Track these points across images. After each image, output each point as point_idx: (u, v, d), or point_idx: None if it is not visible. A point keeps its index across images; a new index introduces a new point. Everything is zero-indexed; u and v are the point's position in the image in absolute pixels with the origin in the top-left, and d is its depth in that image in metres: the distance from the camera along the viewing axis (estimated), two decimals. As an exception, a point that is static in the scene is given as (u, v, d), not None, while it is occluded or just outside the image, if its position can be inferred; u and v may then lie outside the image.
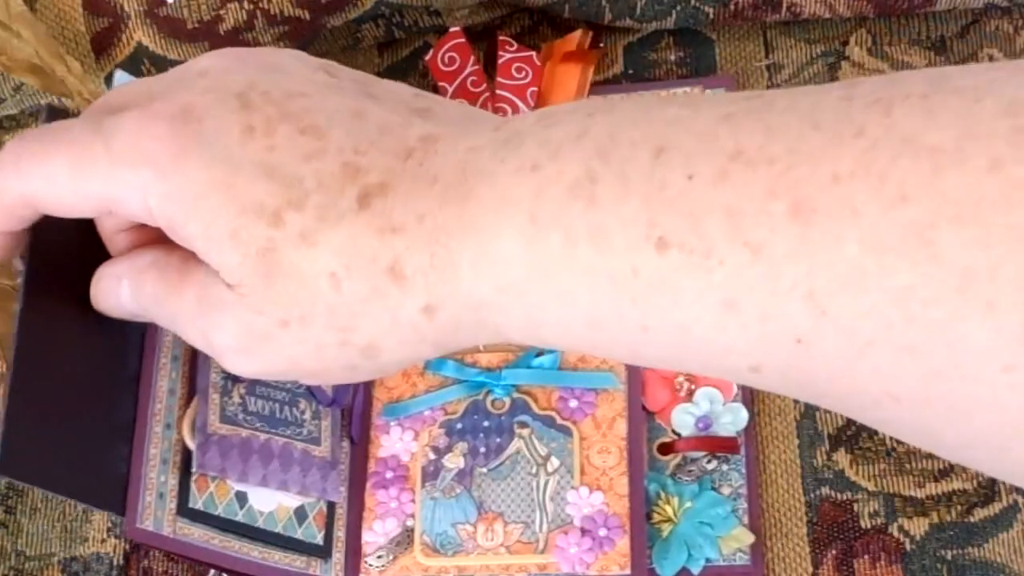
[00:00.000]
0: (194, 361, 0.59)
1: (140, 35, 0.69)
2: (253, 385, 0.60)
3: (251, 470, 0.59)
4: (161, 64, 0.69)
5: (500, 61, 0.69)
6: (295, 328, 0.43)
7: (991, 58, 0.67)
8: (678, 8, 0.67)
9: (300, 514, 0.60)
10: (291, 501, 0.60)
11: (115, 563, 0.65)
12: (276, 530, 0.59)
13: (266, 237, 0.42)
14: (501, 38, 0.70)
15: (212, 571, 0.62)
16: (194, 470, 0.58)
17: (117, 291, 0.49)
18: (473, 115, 0.46)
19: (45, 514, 0.67)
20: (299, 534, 0.60)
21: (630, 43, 0.71)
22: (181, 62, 0.67)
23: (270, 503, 0.60)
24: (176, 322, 0.47)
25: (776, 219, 0.36)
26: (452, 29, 0.69)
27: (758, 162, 0.37)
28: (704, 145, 0.38)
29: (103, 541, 0.66)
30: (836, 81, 0.58)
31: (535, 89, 0.68)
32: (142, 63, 0.69)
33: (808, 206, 0.36)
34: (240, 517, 0.59)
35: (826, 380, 0.38)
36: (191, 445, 0.58)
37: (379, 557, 0.61)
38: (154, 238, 0.49)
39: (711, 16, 0.67)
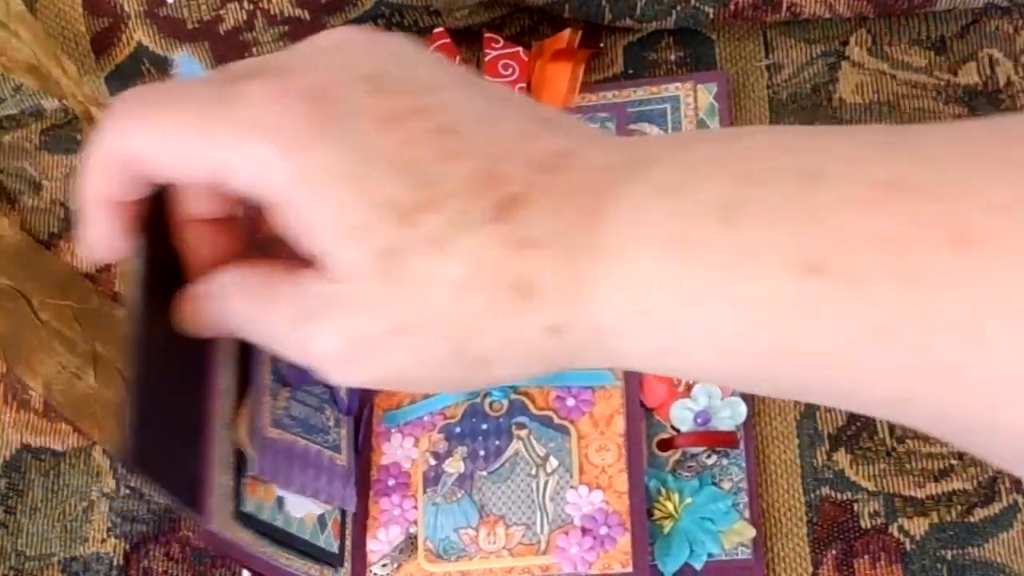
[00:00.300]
0: (245, 360, 0.57)
1: (140, 35, 0.69)
2: (295, 390, 0.59)
3: (294, 476, 0.58)
4: (161, 64, 0.69)
5: (487, 59, 0.69)
6: (408, 336, 0.41)
7: (991, 58, 0.67)
8: (678, 8, 0.67)
9: (322, 522, 0.60)
10: (316, 508, 0.60)
11: (115, 563, 0.65)
12: (305, 536, 0.59)
13: (394, 236, 0.40)
14: (487, 35, 0.70)
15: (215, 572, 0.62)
16: (252, 473, 0.56)
17: (207, 311, 0.46)
18: (595, 132, 0.45)
19: (45, 514, 0.67)
20: (321, 542, 0.60)
21: (630, 43, 0.71)
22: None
23: (302, 509, 0.59)
24: (268, 337, 0.44)
25: (936, 248, 0.35)
26: (436, 30, 0.69)
27: (913, 190, 0.36)
28: (855, 172, 0.37)
29: (103, 541, 0.66)
30: (956, 117, 0.56)
31: (523, 85, 0.69)
32: (142, 63, 0.70)
33: (972, 236, 0.34)
34: (279, 523, 0.58)
35: (978, 415, 0.36)
36: (249, 448, 0.56)
37: (384, 565, 0.61)
38: (229, 241, 0.47)
39: (711, 16, 0.67)
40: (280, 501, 0.58)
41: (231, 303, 0.45)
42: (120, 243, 0.45)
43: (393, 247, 0.40)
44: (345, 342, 0.42)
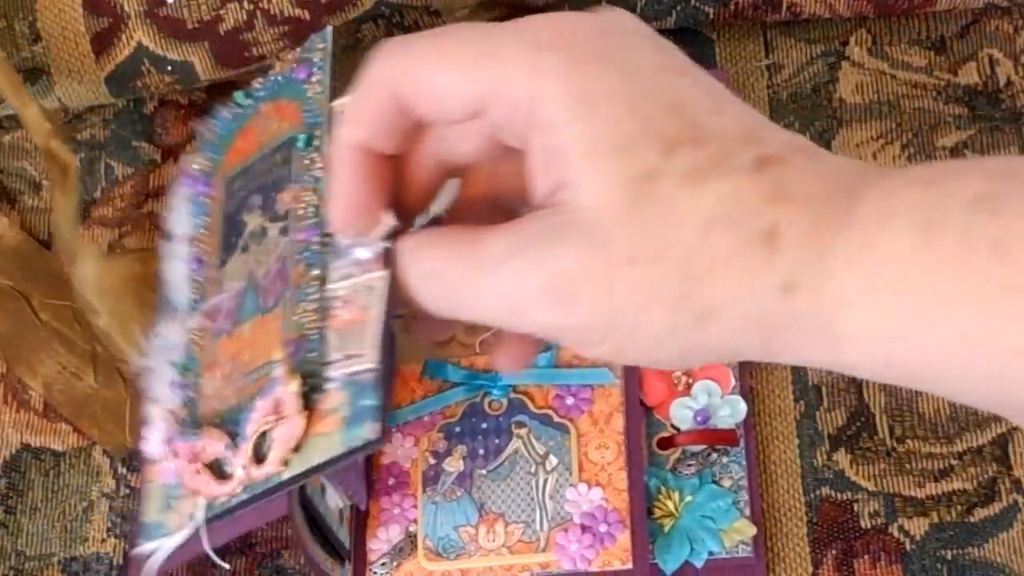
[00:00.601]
0: None
1: (140, 35, 0.69)
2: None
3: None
4: (161, 64, 0.69)
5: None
6: (640, 268, 0.40)
7: (991, 58, 0.67)
8: (678, 8, 0.67)
9: (340, 517, 0.60)
10: (341, 502, 0.60)
11: (115, 563, 0.65)
12: (333, 527, 0.58)
13: (654, 163, 0.40)
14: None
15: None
16: None
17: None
18: None
19: (45, 514, 0.67)
20: (342, 536, 0.59)
21: (630, 43, 0.71)
22: (181, 62, 0.68)
23: (335, 501, 0.60)
24: (462, 287, 0.43)
25: None
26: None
27: None
28: None
29: (103, 541, 0.66)
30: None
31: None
32: (142, 63, 0.69)
33: None
34: (321, 510, 0.59)
35: None
36: None
37: (383, 564, 0.61)
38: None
39: (711, 16, 0.67)
40: (323, 488, 0.59)
41: (426, 254, 0.45)
42: (372, 208, 0.46)
43: (650, 173, 0.40)
44: (564, 272, 0.41)
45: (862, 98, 0.68)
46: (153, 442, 0.55)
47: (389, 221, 0.49)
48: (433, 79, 0.43)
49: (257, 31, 0.68)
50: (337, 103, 0.56)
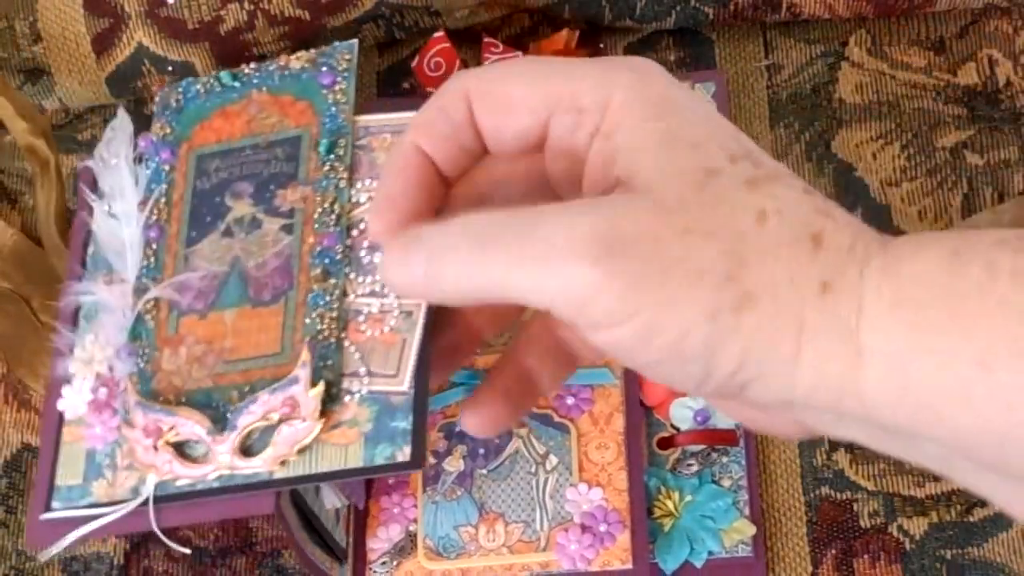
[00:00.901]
0: None
1: (140, 35, 0.69)
2: None
3: None
4: (161, 64, 0.69)
5: (486, 63, 0.69)
6: (695, 239, 0.41)
7: (991, 58, 0.67)
8: (678, 8, 0.67)
9: (337, 516, 0.60)
10: (337, 502, 0.60)
11: (115, 563, 0.65)
12: (328, 527, 0.58)
13: (718, 165, 0.42)
14: (486, 40, 0.70)
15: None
16: None
17: (409, 266, 0.46)
18: None
19: (45, 514, 0.67)
20: (338, 536, 0.59)
21: (630, 43, 0.71)
22: (181, 62, 0.68)
23: (330, 501, 0.59)
24: (496, 241, 0.43)
25: None
26: (436, 34, 0.69)
27: None
28: None
29: (103, 541, 0.66)
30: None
31: (522, 88, 0.68)
32: (142, 63, 0.70)
33: None
34: (316, 509, 0.58)
35: None
36: None
37: (383, 563, 0.61)
38: None
39: (711, 16, 0.67)
40: (317, 489, 0.58)
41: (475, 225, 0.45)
42: (417, 222, 0.46)
43: (715, 170, 0.41)
44: (619, 223, 0.41)
45: (862, 98, 0.68)
46: (75, 401, 0.54)
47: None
48: (505, 86, 0.45)
49: (257, 31, 0.68)
50: (366, 118, 0.57)
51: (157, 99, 0.58)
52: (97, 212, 0.56)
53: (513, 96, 0.45)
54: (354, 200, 0.55)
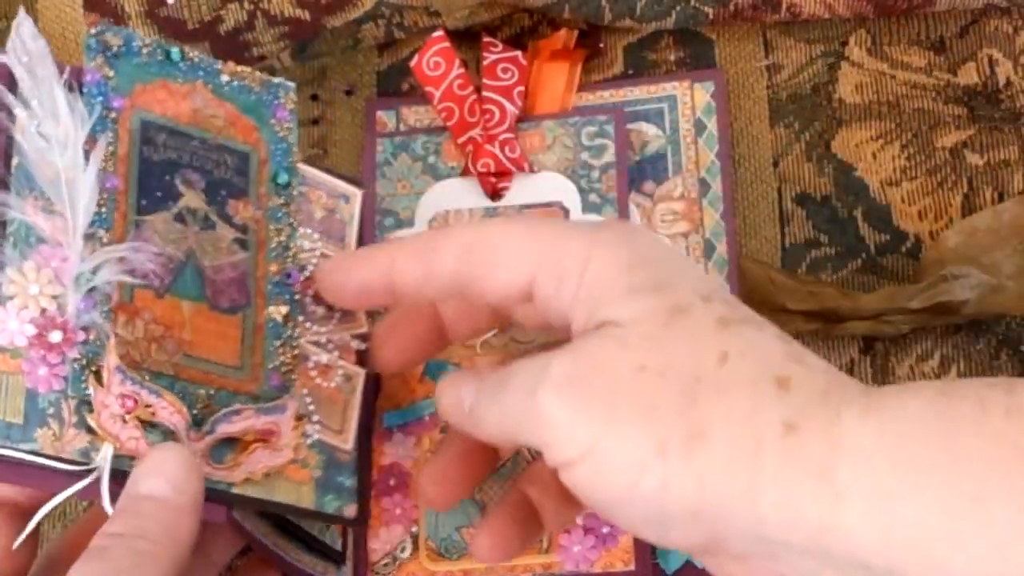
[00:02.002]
0: None
1: (141, 35, 0.69)
2: None
3: None
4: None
5: (485, 63, 0.69)
6: (647, 376, 0.42)
7: (991, 58, 0.67)
8: (678, 8, 0.67)
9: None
10: None
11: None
12: (313, 532, 0.58)
13: (689, 302, 0.43)
14: (485, 40, 0.70)
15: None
16: None
17: (460, 401, 0.50)
18: None
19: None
20: (327, 538, 0.59)
21: (630, 43, 0.71)
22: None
23: None
24: (506, 383, 0.47)
25: None
26: (435, 34, 0.69)
27: None
28: None
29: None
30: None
31: (521, 89, 0.68)
32: (142, 63, 0.70)
33: None
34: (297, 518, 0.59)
35: None
36: None
37: (385, 564, 0.61)
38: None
39: (711, 16, 0.67)
40: None
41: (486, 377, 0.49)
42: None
43: (685, 307, 0.43)
44: (584, 362, 0.43)
45: (862, 98, 0.68)
46: (12, 327, 0.50)
47: (363, 326, 0.57)
48: (495, 245, 0.48)
49: (257, 31, 0.68)
50: (303, 168, 0.59)
51: (93, 31, 0.55)
52: (23, 122, 0.52)
53: (499, 256, 0.48)
54: (299, 243, 0.57)
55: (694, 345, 0.42)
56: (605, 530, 0.59)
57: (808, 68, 0.69)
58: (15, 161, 0.52)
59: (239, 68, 0.58)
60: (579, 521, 0.60)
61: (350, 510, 0.55)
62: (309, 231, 0.58)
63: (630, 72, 0.70)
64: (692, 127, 0.67)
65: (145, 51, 0.56)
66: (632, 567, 0.59)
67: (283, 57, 0.70)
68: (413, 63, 0.69)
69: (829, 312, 0.62)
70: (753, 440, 0.40)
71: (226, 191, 0.56)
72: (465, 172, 0.67)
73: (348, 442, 0.56)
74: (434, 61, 0.69)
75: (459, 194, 0.67)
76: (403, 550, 0.61)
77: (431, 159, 0.68)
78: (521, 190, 0.67)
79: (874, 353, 0.63)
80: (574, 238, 0.46)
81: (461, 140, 0.68)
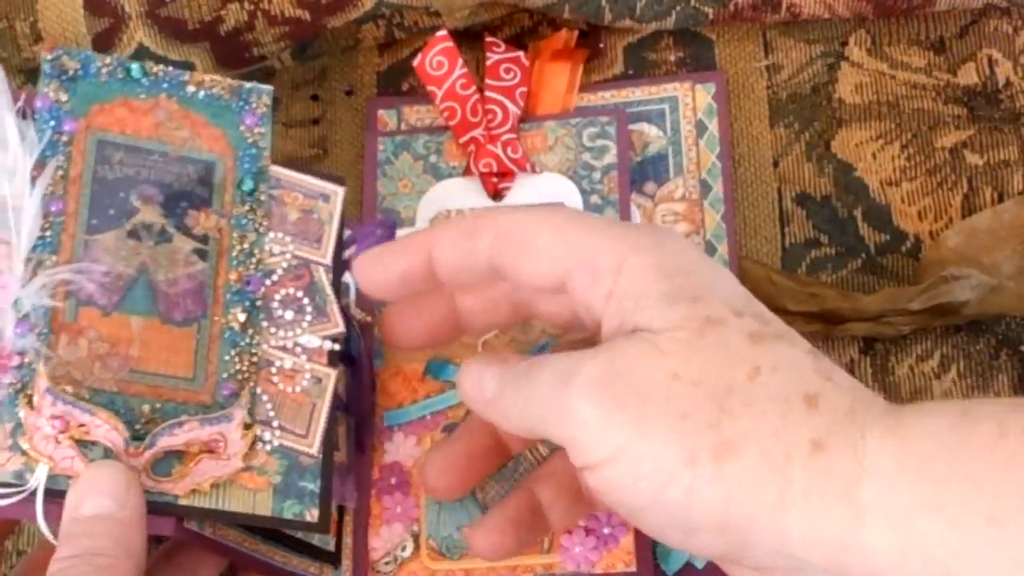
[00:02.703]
0: None
1: (141, 35, 0.69)
2: None
3: None
4: (161, 64, 0.69)
5: (488, 63, 0.69)
6: (681, 385, 0.42)
7: (990, 58, 0.67)
8: (678, 8, 0.67)
9: None
10: None
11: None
12: (297, 535, 0.58)
13: (722, 315, 0.44)
14: (488, 40, 0.70)
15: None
16: None
17: (482, 385, 0.51)
18: None
19: (46, 514, 0.67)
20: (316, 540, 0.59)
21: (630, 43, 0.71)
22: (182, 62, 0.68)
23: None
24: (535, 375, 0.47)
25: None
26: (439, 33, 0.69)
27: None
28: None
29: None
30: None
31: (524, 89, 0.68)
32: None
33: None
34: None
35: None
36: None
37: (387, 563, 0.61)
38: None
39: (711, 16, 0.67)
40: None
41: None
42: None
43: (719, 320, 0.44)
44: (618, 365, 0.44)
45: (862, 98, 0.68)
46: None
47: (338, 326, 0.57)
48: (532, 232, 0.48)
49: (258, 32, 0.68)
50: (277, 169, 0.58)
51: (49, 56, 0.56)
52: None
53: (537, 243, 0.48)
54: (267, 249, 0.57)
55: (727, 357, 0.43)
56: (606, 531, 0.59)
57: (808, 68, 0.69)
58: None
59: (207, 77, 0.58)
60: (580, 522, 0.60)
61: (311, 514, 0.55)
62: (280, 235, 0.57)
63: (630, 72, 0.70)
64: (693, 128, 0.67)
65: (105, 71, 0.57)
66: (633, 568, 0.59)
67: (283, 57, 0.71)
68: (416, 62, 0.69)
69: (829, 313, 0.62)
70: (782, 456, 0.41)
71: (186, 202, 0.56)
72: (467, 172, 0.68)
73: (313, 446, 0.55)
74: (437, 60, 0.69)
75: (461, 194, 0.67)
76: (404, 549, 0.61)
77: (433, 158, 0.68)
78: (523, 190, 0.67)
79: (874, 353, 0.63)
80: (612, 238, 0.46)
81: (463, 140, 0.68)
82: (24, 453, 0.51)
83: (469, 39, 0.71)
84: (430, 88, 0.69)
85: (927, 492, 0.39)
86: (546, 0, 0.68)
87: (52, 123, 0.55)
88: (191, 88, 0.58)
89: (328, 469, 0.56)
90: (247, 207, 0.57)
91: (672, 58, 0.70)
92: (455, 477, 0.57)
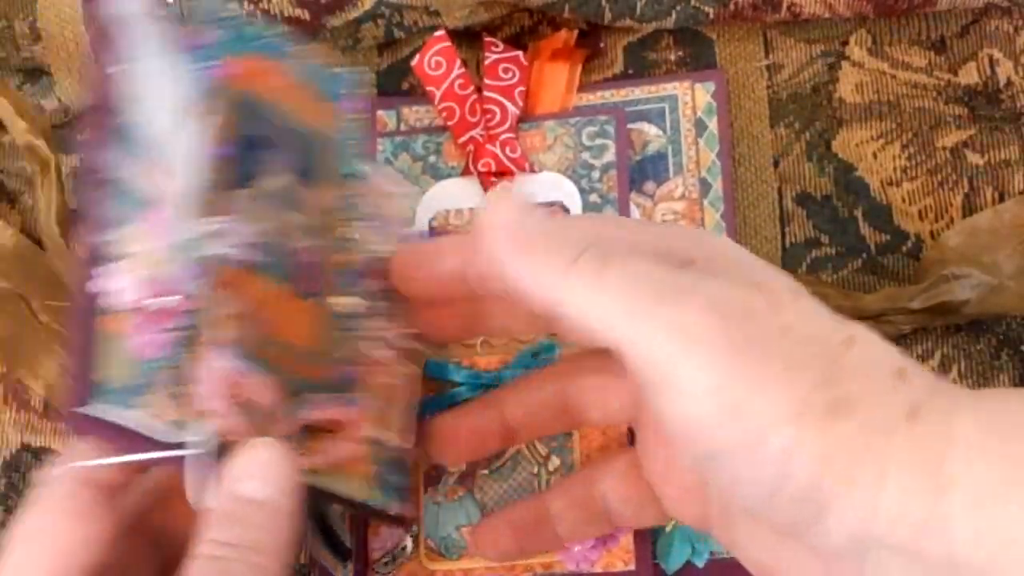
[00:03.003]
0: None
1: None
2: None
3: None
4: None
5: (486, 63, 0.69)
6: (794, 337, 0.41)
7: (991, 58, 0.67)
8: (678, 8, 0.67)
9: (343, 514, 0.60)
10: None
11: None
12: (334, 525, 0.58)
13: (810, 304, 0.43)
14: (487, 39, 0.70)
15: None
16: None
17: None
18: None
19: (45, 514, 0.67)
20: (343, 535, 0.59)
21: (630, 43, 0.71)
22: (181, 62, 0.67)
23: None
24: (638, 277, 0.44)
25: None
26: (436, 33, 0.69)
27: None
28: None
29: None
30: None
31: (522, 89, 0.68)
32: (142, 63, 0.69)
33: None
34: (328, 509, 0.58)
35: None
36: None
37: (386, 563, 0.61)
38: None
39: (711, 16, 0.67)
40: None
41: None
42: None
43: (802, 293, 0.43)
44: (730, 298, 0.42)
45: (862, 98, 0.68)
46: (122, 284, 0.47)
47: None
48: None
49: (257, 31, 0.68)
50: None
51: None
52: (131, 81, 0.49)
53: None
54: (362, 237, 0.55)
55: (822, 323, 0.42)
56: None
57: (808, 68, 0.69)
58: (119, 120, 0.49)
59: (316, 49, 0.56)
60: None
61: (402, 508, 0.54)
62: (370, 224, 0.55)
63: (630, 72, 0.70)
64: (693, 127, 0.67)
65: (235, 23, 0.53)
66: (632, 567, 0.59)
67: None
68: (414, 63, 0.69)
69: (830, 312, 0.62)
70: (884, 423, 0.39)
71: (304, 175, 0.53)
72: (466, 172, 0.67)
73: (398, 440, 0.54)
74: (435, 60, 0.69)
75: (460, 194, 0.67)
76: (403, 549, 0.61)
77: (432, 159, 0.68)
78: (522, 190, 0.67)
79: (875, 353, 0.63)
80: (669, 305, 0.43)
81: (462, 140, 0.68)
82: (182, 405, 0.47)
83: (468, 39, 0.71)
84: (428, 88, 0.69)
85: (1009, 471, 0.38)
86: (546, 0, 0.67)
87: (205, 64, 0.50)
88: (302, 58, 0.55)
89: (411, 465, 0.55)
90: (347, 191, 0.55)
91: (672, 57, 0.70)
92: (459, 445, 0.56)
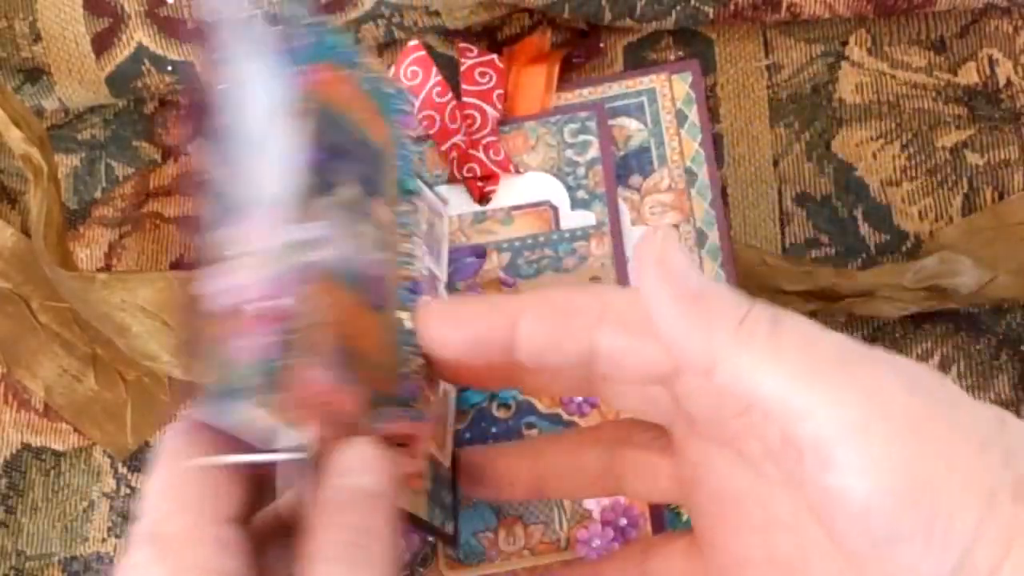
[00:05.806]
0: None
1: (140, 35, 0.69)
2: None
3: None
4: (161, 64, 0.69)
5: (462, 68, 0.69)
6: (966, 408, 0.38)
7: (991, 58, 0.68)
8: (678, 8, 0.67)
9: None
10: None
11: (115, 563, 0.65)
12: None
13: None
14: (460, 45, 0.70)
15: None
16: None
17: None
18: None
19: (46, 513, 0.67)
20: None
21: (630, 43, 0.71)
22: (181, 62, 0.68)
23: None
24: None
25: None
26: (411, 43, 0.69)
27: None
28: None
29: (103, 540, 0.66)
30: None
31: (501, 92, 0.68)
32: (142, 63, 0.69)
33: None
34: None
35: None
36: None
37: (404, 573, 0.61)
38: None
39: (711, 16, 0.68)
40: None
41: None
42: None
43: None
44: (922, 383, 0.38)
45: (862, 98, 0.68)
46: (226, 288, 0.45)
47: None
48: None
49: (258, 31, 0.68)
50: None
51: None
52: (230, 82, 0.48)
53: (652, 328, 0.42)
54: (418, 254, 0.53)
55: (963, 414, 0.38)
56: (622, 523, 0.59)
57: (808, 68, 0.69)
58: (219, 121, 0.48)
59: (377, 63, 0.56)
60: (595, 516, 0.60)
61: (449, 527, 0.53)
62: (421, 243, 0.54)
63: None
64: (674, 118, 0.67)
65: (319, 30, 0.51)
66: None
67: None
68: (391, 74, 0.69)
69: (825, 291, 0.62)
70: (975, 493, 0.36)
71: (370, 188, 0.51)
72: (451, 179, 0.67)
73: (447, 459, 0.54)
74: (411, 71, 0.69)
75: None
76: (422, 559, 0.61)
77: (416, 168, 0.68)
78: (508, 192, 0.67)
79: (876, 352, 0.63)
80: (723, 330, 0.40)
81: (444, 147, 0.68)
82: (276, 411, 0.44)
83: (467, 39, 0.71)
84: (409, 98, 0.68)
85: None
86: (546, 0, 0.68)
87: (296, 68, 0.49)
88: (366, 72, 0.54)
89: (455, 484, 0.54)
90: (407, 207, 0.53)
91: (672, 57, 0.70)
92: (480, 481, 0.52)
